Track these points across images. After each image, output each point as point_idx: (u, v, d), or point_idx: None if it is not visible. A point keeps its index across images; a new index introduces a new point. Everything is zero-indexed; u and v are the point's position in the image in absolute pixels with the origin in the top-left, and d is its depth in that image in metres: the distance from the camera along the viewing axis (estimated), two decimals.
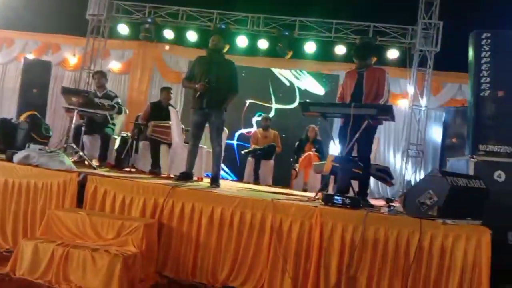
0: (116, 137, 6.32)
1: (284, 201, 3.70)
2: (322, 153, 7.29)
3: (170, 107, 6.11)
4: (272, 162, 7.77)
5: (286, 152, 7.93)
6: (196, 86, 4.72)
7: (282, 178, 7.72)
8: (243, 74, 8.27)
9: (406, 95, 8.92)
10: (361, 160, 4.18)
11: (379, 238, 3.34)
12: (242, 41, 9.02)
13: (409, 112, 8.58)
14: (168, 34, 9.33)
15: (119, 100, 6.13)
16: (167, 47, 9.68)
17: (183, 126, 5.94)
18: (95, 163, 5.52)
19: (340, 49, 8.80)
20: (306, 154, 7.27)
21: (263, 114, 8.46)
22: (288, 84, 9.39)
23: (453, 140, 7.68)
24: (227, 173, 9.00)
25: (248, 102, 9.29)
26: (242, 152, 8.03)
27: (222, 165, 5.95)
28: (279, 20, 8.93)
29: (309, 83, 9.31)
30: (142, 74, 10.00)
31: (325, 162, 4.29)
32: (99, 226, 3.43)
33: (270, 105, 9.31)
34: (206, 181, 5.25)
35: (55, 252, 3.16)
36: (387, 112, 4.08)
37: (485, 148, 4.46)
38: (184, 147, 5.39)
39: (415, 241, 3.29)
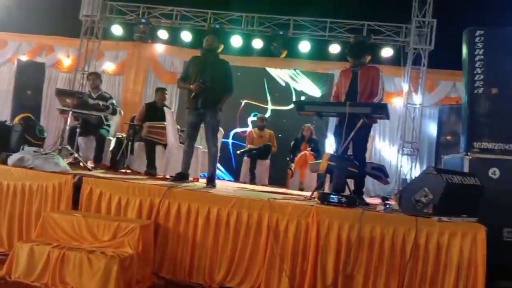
0: (111, 138, 6.29)
1: (280, 201, 3.70)
2: (317, 152, 7.30)
3: (165, 108, 6.10)
4: (268, 161, 7.77)
5: (282, 151, 7.93)
6: (191, 86, 4.72)
7: (278, 178, 7.73)
8: (238, 74, 8.26)
9: (400, 93, 8.95)
10: (356, 159, 4.19)
11: (375, 236, 3.35)
12: (236, 41, 9.01)
13: (404, 110, 8.61)
14: (162, 34, 9.31)
15: (114, 101, 6.12)
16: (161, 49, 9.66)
17: (179, 127, 5.93)
18: (90, 164, 5.50)
19: (334, 48, 8.82)
20: (302, 153, 7.28)
21: (258, 114, 8.46)
22: (284, 84, 9.39)
23: (448, 137, 7.71)
24: (223, 172, 9.00)
25: (243, 102, 9.29)
26: (238, 152, 8.03)
27: (218, 165, 5.93)
28: (273, 20, 8.94)
29: (305, 85, 9.32)
30: (136, 75, 9.98)
31: (320, 161, 4.29)
32: (95, 228, 3.42)
33: (266, 106, 9.31)
34: (202, 182, 5.24)
35: (51, 255, 3.15)
36: (382, 111, 4.09)
37: (480, 145, 4.48)
38: (180, 148, 5.38)
39: (411, 238, 3.30)
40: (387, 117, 4.17)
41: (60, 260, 3.12)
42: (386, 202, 4.23)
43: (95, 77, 6.29)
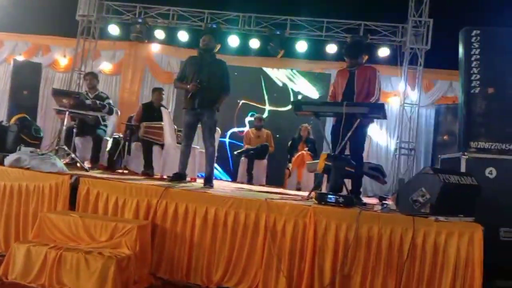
0: (108, 138, 6.28)
1: (277, 201, 3.70)
2: (315, 152, 7.31)
3: (162, 108, 6.09)
4: (265, 161, 7.78)
5: (279, 152, 7.94)
6: (188, 86, 4.71)
7: (276, 178, 7.74)
8: (235, 74, 8.27)
9: (397, 93, 8.97)
10: (353, 159, 4.19)
11: (373, 236, 3.36)
12: (233, 40, 9.00)
13: (401, 109, 8.63)
14: (159, 34, 9.29)
15: (111, 101, 6.10)
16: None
17: (176, 127, 5.92)
18: (87, 165, 5.49)
19: (331, 48, 8.82)
20: (299, 153, 7.29)
21: (256, 114, 8.46)
22: (281, 85, 9.39)
23: (445, 137, 7.74)
24: (220, 173, 8.99)
25: (240, 102, 9.29)
26: (235, 152, 8.03)
27: (215, 165, 5.93)
28: (270, 20, 8.94)
29: (302, 85, 9.32)
30: (133, 75, 9.96)
31: (318, 161, 4.29)
32: (92, 229, 3.41)
33: (263, 107, 9.30)
34: (200, 182, 5.24)
35: (48, 255, 3.14)
36: (379, 110, 4.09)
37: (476, 145, 4.49)
38: (177, 148, 5.38)
39: (408, 238, 3.30)
40: (384, 117, 4.17)
41: (57, 261, 3.11)
42: (384, 202, 4.25)
43: (92, 77, 6.27)
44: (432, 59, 8.46)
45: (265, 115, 9.00)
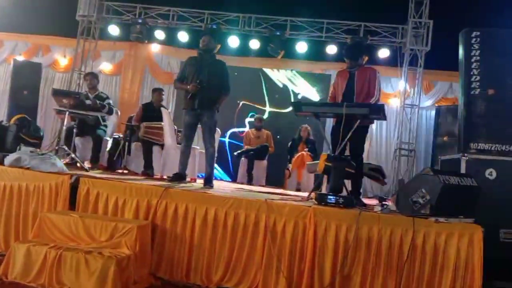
0: (108, 138, 6.28)
1: (277, 201, 3.71)
2: (315, 152, 7.31)
3: (162, 108, 6.09)
4: (265, 162, 7.78)
5: (279, 152, 7.93)
6: (188, 87, 4.72)
7: (276, 178, 7.73)
8: (236, 74, 8.27)
9: (397, 94, 8.97)
10: (353, 159, 4.20)
11: (373, 237, 3.36)
12: (233, 41, 9.00)
13: (401, 111, 8.62)
14: (159, 34, 9.29)
15: (111, 101, 6.09)
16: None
17: (176, 127, 5.92)
18: (87, 165, 5.48)
19: (331, 49, 8.82)
20: (299, 154, 7.29)
21: (256, 114, 8.46)
22: (281, 86, 9.38)
23: (445, 138, 7.74)
24: (220, 173, 8.99)
25: (241, 103, 9.28)
26: (235, 153, 8.03)
27: (215, 165, 5.92)
28: (270, 20, 8.93)
29: (303, 87, 9.30)
30: (133, 75, 9.96)
31: (318, 161, 4.29)
32: (92, 229, 3.41)
33: (264, 108, 9.29)
34: (200, 182, 5.24)
35: (47, 255, 3.14)
36: (379, 111, 4.10)
37: (476, 146, 4.49)
38: (177, 148, 5.38)
39: (408, 239, 3.31)
40: (384, 118, 4.18)
41: (57, 261, 3.11)
42: (383, 202, 4.24)
43: (92, 77, 6.27)
44: (432, 60, 8.45)
45: (266, 116, 8.99)
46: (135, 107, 7.75)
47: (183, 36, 9.21)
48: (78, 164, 5.14)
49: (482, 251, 3.23)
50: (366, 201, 4.71)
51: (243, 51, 9.25)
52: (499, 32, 4.81)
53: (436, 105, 8.81)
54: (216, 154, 5.06)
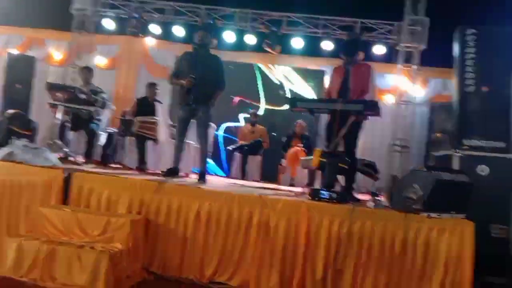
0: (102, 133, 6.25)
1: (271, 197, 3.72)
2: (309, 148, 7.31)
3: (156, 103, 6.07)
4: (259, 157, 7.77)
5: (275, 150, 7.92)
6: (183, 82, 4.70)
7: (270, 174, 7.73)
8: (231, 67, 8.22)
9: (392, 91, 8.98)
10: (347, 155, 4.21)
11: (365, 232, 3.38)
12: (229, 36, 8.97)
13: (395, 107, 8.64)
14: (155, 29, 9.24)
15: (105, 96, 6.06)
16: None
17: (170, 122, 5.91)
18: (80, 159, 5.47)
19: (327, 45, 8.81)
20: (294, 149, 7.29)
21: (251, 110, 8.45)
22: (277, 83, 9.34)
23: (438, 135, 7.76)
24: (214, 168, 8.96)
25: (236, 99, 9.23)
26: (229, 148, 8.02)
27: (209, 160, 5.91)
28: (267, 16, 8.91)
29: (299, 84, 9.26)
30: (128, 69, 9.89)
31: (312, 157, 4.30)
32: (85, 223, 3.40)
33: (258, 105, 9.24)
34: (193, 177, 5.23)
35: (40, 250, 3.13)
36: (374, 108, 4.10)
37: (470, 142, 4.53)
38: (171, 143, 5.37)
39: (400, 234, 3.33)
40: (379, 114, 4.19)
41: (49, 255, 3.10)
42: (376, 198, 4.25)
43: (87, 71, 6.24)
44: (428, 58, 8.47)
45: (261, 113, 8.95)
46: (130, 101, 7.70)
47: (178, 31, 9.15)
48: (72, 159, 5.12)
49: (473, 246, 3.25)
50: (359, 196, 4.73)
51: (239, 46, 9.22)
52: (494, 30, 4.84)
53: (430, 102, 8.83)
54: (210, 149, 5.05)
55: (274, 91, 9.26)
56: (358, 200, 4.26)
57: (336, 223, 3.41)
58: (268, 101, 9.24)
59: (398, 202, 3.54)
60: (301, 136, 7.65)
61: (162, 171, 4.99)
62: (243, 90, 9.16)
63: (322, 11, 8.75)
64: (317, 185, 5.29)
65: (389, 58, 8.73)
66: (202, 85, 4.67)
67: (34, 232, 3.42)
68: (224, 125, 9.13)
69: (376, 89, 4.64)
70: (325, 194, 3.67)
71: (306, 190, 4.26)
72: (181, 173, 5.00)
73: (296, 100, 4.59)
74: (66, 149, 5.24)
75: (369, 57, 8.32)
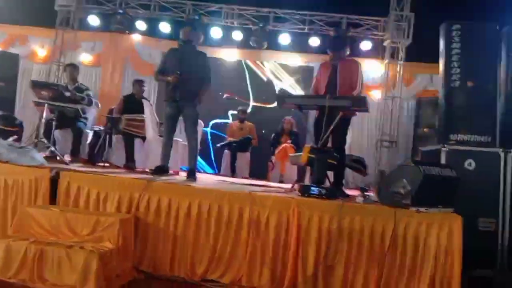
0: (88, 131, 6.18)
1: (261, 193, 3.72)
2: (298, 144, 7.33)
3: (143, 100, 6.01)
4: (248, 154, 7.77)
5: (263, 147, 7.92)
6: (169, 78, 4.67)
7: (259, 170, 7.73)
8: (218, 62, 8.17)
9: (379, 86, 9.04)
10: (336, 151, 4.23)
11: (355, 228, 3.41)
12: (215, 32, 8.92)
13: (382, 102, 8.71)
14: (140, 25, 9.15)
15: (90, 93, 5.99)
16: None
17: (158, 119, 5.86)
18: (67, 158, 5.40)
19: (314, 41, 8.83)
20: (282, 146, 7.30)
21: (239, 107, 8.42)
22: (265, 80, 9.31)
23: (425, 130, 7.85)
24: (203, 165, 8.93)
25: (224, 96, 9.20)
26: (218, 145, 8.00)
27: (198, 158, 5.88)
28: (253, 12, 8.89)
29: (286, 80, 9.26)
30: (114, 66, 9.78)
31: (301, 153, 4.32)
32: (74, 223, 3.36)
33: (247, 102, 9.22)
34: (183, 175, 5.21)
35: (28, 251, 3.08)
36: (361, 103, 4.13)
37: (456, 137, 4.59)
38: (159, 141, 5.33)
39: (389, 229, 3.36)
40: (367, 110, 4.21)
41: (38, 256, 3.06)
42: (365, 193, 4.29)
43: (72, 68, 6.16)
44: (414, 53, 8.54)
45: (249, 110, 8.92)
46: (116, 99, 7.62)
47: (164, 27, 9.08)
48: (58, 158, 5.06)
49: (462, 239, 3.30)
50: (348, 192, 4.76)
51: (226, 42, 9.18)
52: (480, 26, 4.89)
53: (417, 97, 8.91)
54: (199, 147, 5.03)
55: (262, 88, 9.24)
56: (348, 195, 4.29)
57: (326, 219, 3.42)
58: (256, 98, 9.22)
59: (387, 197, 3.57)
60: (290, 133, 7.67)
61: (150, 169, 4.95)
62: (231, 86, 9.13)
63: (309, 7, 8.76)
64: (306, 181, 5.31)
65: (376, 54, 8.79)
66: (188, 81, 4.65)
67: (21, 232, 3.36)
68: (212, 122, 9.10)
69: (363, 85, 4.66)
70: (314, 190, 3.69)
71: (296, 186, 4.27)
72: (170, 171, 4.97)
73: (284, 96, 4.59)
74: (52, 148, 5.16)
75: (356, 52, 8.37)
